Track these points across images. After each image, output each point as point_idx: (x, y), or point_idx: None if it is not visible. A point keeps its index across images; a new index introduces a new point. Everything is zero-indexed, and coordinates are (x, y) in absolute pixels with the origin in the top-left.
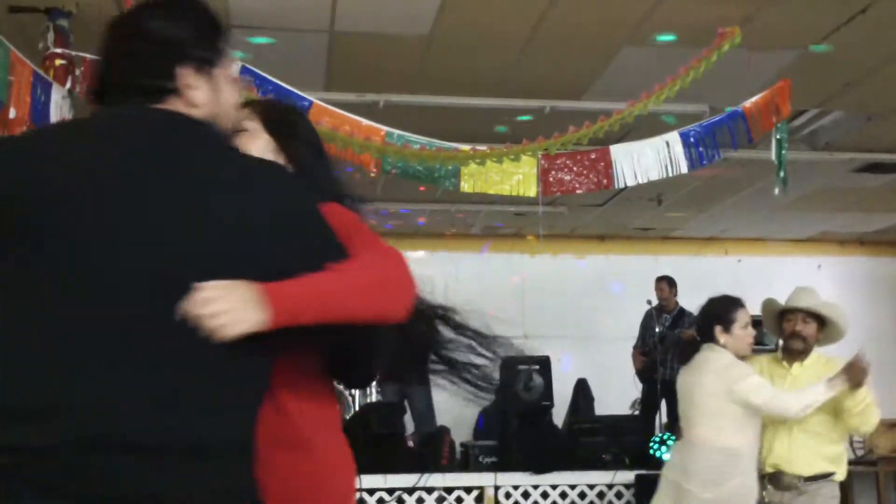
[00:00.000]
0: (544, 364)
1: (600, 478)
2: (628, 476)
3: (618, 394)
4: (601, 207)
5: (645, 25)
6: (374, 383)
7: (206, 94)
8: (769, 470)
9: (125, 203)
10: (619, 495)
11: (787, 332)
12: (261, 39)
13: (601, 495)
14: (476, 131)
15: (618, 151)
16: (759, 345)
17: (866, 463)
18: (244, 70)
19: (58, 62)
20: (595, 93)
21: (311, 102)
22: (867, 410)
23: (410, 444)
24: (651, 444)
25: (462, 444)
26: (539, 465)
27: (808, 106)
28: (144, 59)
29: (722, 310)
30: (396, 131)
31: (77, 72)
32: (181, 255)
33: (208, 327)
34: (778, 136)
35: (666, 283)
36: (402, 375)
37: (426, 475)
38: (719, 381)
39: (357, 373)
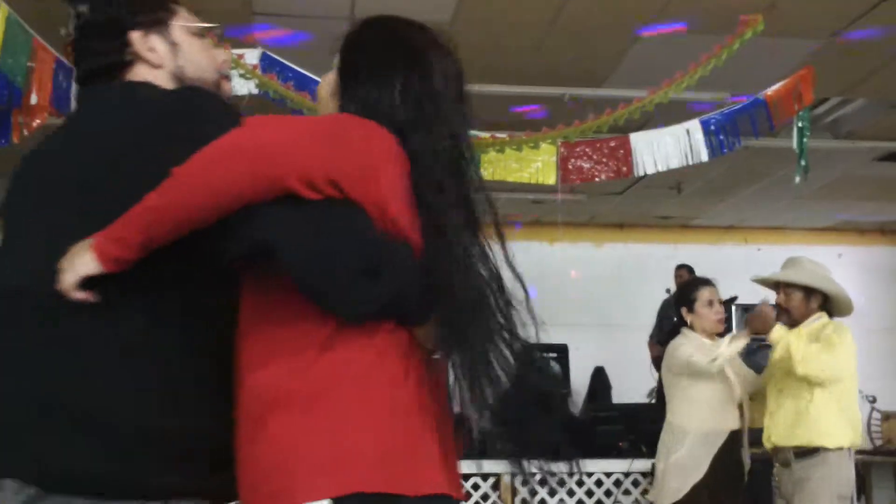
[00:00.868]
0: (562, 352)
1: (617, 466)
2: (645, 464)
3: (635, 382)
4: (620, 195)
5: (668, 10)
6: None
7: (164, 52)
8: (767, 445)
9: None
10: (635, 483)
11: (775, 305)
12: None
13: (618, 483)
14: (496, 118)
15: (637, 139)
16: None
17: (884, 453)
18: (264, 57)
19: None
20: (616, 80)
21: None
22: (805, 356)
23: None
24: None
25: (479, 431)
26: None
27: (831, 94)
28: (93, 39)
29: (685, 291)
30: None
31: None
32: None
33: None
34: (800, 124)
35: (686, 272)
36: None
37: None
38: (666, 360)
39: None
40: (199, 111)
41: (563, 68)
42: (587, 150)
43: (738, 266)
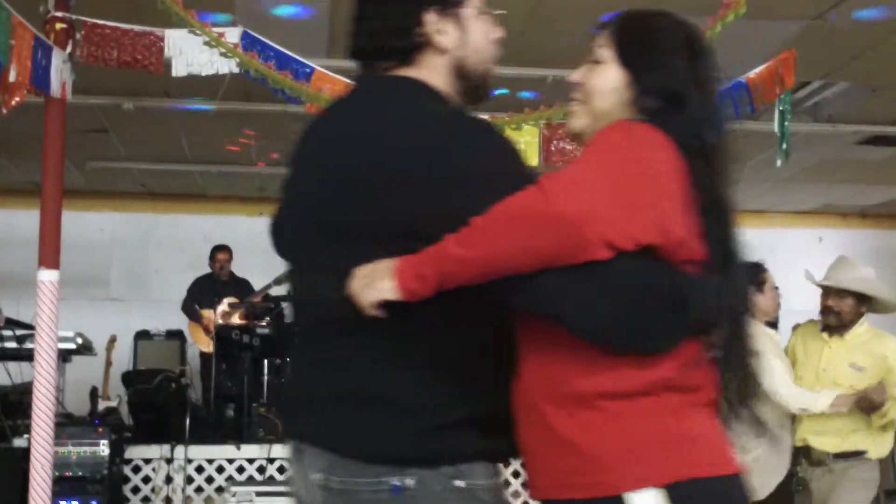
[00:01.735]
0: None
1: None
2: None
3: None
4: None
5: None
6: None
7: (454, 38)
8: (798, 443)
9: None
10: None
11: (822, 305)
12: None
13: None
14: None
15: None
16: None
17: None
18: (245, 36)
19: (59, 26)
20: None
21: (312, 69)
22: (888, 424)
23: None
24: None
25: None
26: None
27: (813, 77)
28: (385, 14)
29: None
30: None
31: (78, 36)
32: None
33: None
34: (781, 108)
35: None
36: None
37: None
38: None
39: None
40: (483, 147)
41: (546, 50)
42: None
43: None
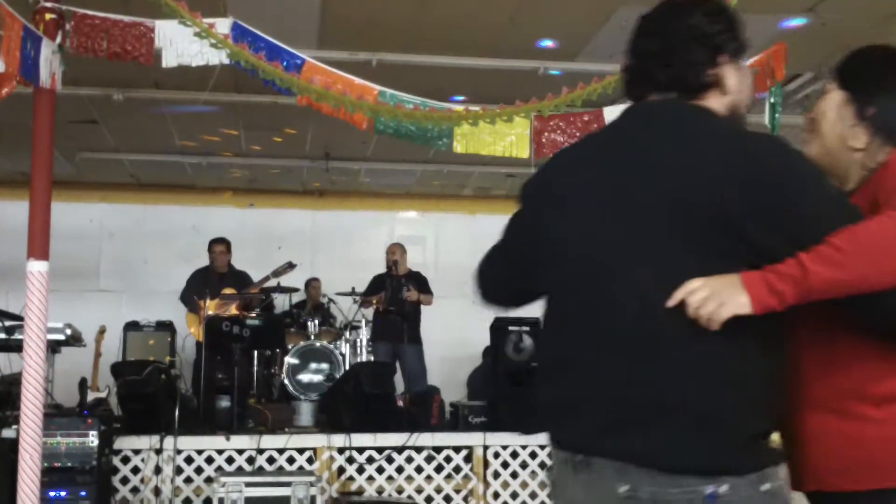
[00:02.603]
0: (535, 326)
1: None
2: None
3: None
4: None
5: None
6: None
7: (736, 82)
8: None
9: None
10: None
11: None
12: None
13: None
14: (470, 91)
15: (611, 113)
16: None
17: None
18: (235, 27)
19: (48, 16)
20: (589, 54)
21: (303, 60)
22: None
23: (400, 403)
24: None
25: (452, 405)
26: (528, 426)
27: (803, 70)
28: (690, 52)
29: None
30: (389, 90)
31: (67, 26)
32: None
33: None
34: (772, 100)
35: None
36: None
37: (415, 434)
38: None
39: None
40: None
41: (537, 42)
42: (561, 123)
43: None
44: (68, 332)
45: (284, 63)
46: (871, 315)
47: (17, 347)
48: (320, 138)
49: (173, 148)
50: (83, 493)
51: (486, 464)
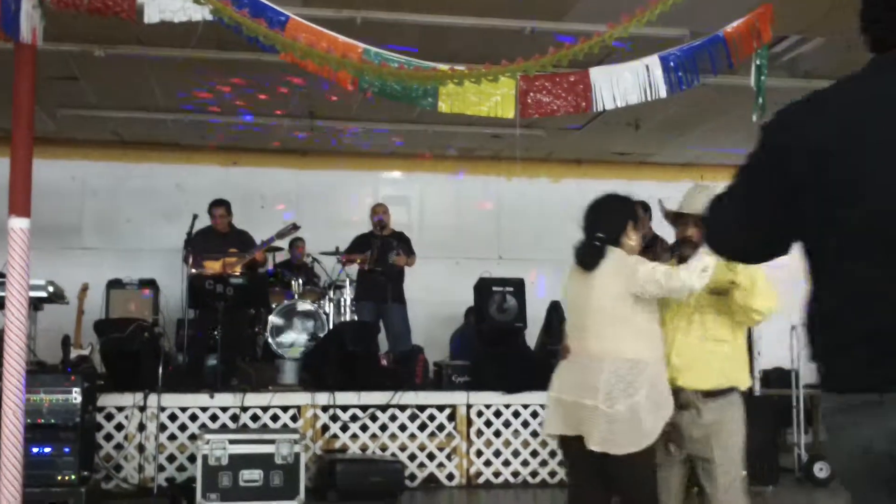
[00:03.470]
0: (518, 286)
1: None
2: None
3: None
4: (579, 131)
5: None
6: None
7: None
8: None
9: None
10: None
11: (678, 237)
12: None
13: None
14: (456, 52)
15: (597, 74)
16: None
17: None
18: None
19: None
20: (577, 14)
21: (287, 17)
22: (762, 286)
23: (384, 362)
24: None
25: (436, 364)
26: (511, 385)
27: (790, 32)
28: None
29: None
30: (374, 49)
31: None
32: None
33: None
34: (758, 62)
35: (640, 209)
36: None
37: (399, 393)
38: (619, 280)
39: None
40: None
41: (524, 1)
42: (547, 84)
43: None
44: (51, 289)
45: (268, 20)
46: None
47: None
48: (305, 97)
49: (156, 105)
50: (66, 450)
51: (469, 422)
